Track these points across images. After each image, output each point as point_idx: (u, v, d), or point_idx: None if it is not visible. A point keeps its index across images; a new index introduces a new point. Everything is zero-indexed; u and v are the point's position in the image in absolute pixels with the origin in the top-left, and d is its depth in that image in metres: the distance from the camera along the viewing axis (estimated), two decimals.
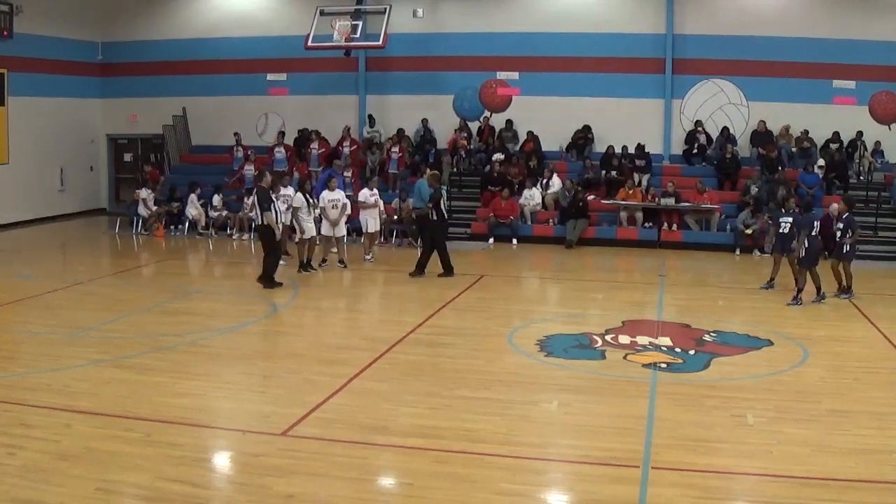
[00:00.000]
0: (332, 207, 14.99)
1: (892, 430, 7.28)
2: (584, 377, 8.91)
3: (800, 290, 12.67)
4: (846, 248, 12.95)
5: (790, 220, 13.09)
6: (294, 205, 14.76)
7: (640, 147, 20.07)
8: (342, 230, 15.22)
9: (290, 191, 15.23)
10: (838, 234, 13.14)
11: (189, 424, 7.21)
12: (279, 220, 13.36)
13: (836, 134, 19.69)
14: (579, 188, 18.98)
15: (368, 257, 16.08)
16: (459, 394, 8.18)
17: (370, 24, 20.10)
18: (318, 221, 15.35)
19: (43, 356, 9.37)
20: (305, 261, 14.74)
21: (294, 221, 14.77)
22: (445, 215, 15.27)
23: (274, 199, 13.47)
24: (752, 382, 8.71)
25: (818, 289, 12.72)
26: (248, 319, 11.55)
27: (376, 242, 16.83)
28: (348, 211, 15.27)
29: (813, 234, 12.78)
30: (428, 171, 16.45)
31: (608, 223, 18.95)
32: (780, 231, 13.29)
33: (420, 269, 14.41)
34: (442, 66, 21.69)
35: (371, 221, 16.04)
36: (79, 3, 22.71)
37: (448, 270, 14.41)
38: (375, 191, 16.31)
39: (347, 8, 20.22)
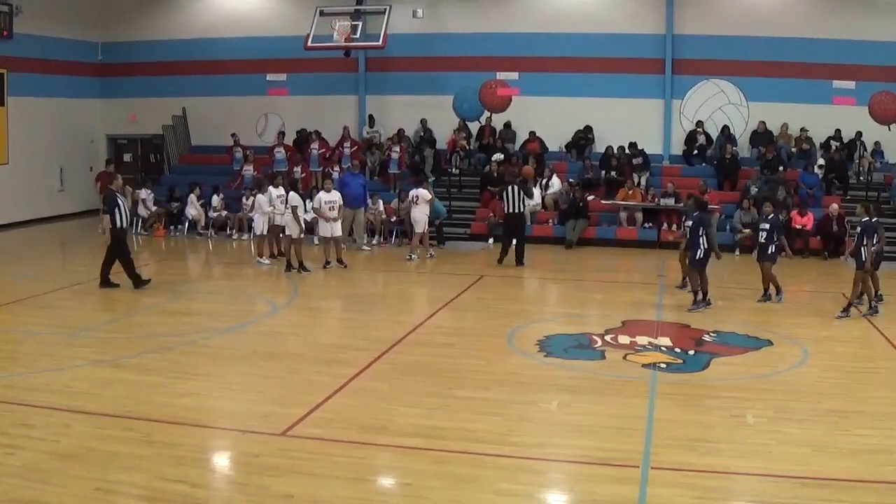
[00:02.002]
0: (330, 209, 15.00)
1: (892, 430, 7.28)
2: (583, 377, 8.91)
3: (777, 290, 12.70)
4: (771, 249, 12.58)
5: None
6: (292, 203, 14.79)
7: (633, 145, 20.06)
8: (339, 230, 15.22)
9: (280, 191, 15.24)
10: (762, 234, 12.74)
11: (189, 424, 7.21)
12: (122, 223, 13.05)
13: (837, 132, 19.69)
14: (577, 187, 18.98)
15: (413, 257, 16.31)
16: (459, 394, 8.19)
17: (370, 25, 20.11)
18: (315, 223, 15.37)
19: (43, 356, 9.37)
20: (298, 262, 14.70)
21: (295, 220, 14.83)
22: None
23: (120, 202, 13.01)
24: (752, 382, 8.71)
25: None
26: (247, 319, 11.56)
27: (420, 242, 16.60)
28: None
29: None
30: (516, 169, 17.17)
31: (608, 223, 18.95)
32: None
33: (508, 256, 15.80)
34: (442, 66, 21.68)
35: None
36: (79, 3, 22.71)
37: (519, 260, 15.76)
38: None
39: (347, 8, 20.21)
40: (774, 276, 12.71)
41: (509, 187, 15.98)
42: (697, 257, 12.06)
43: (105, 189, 20.62)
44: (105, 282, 13.06)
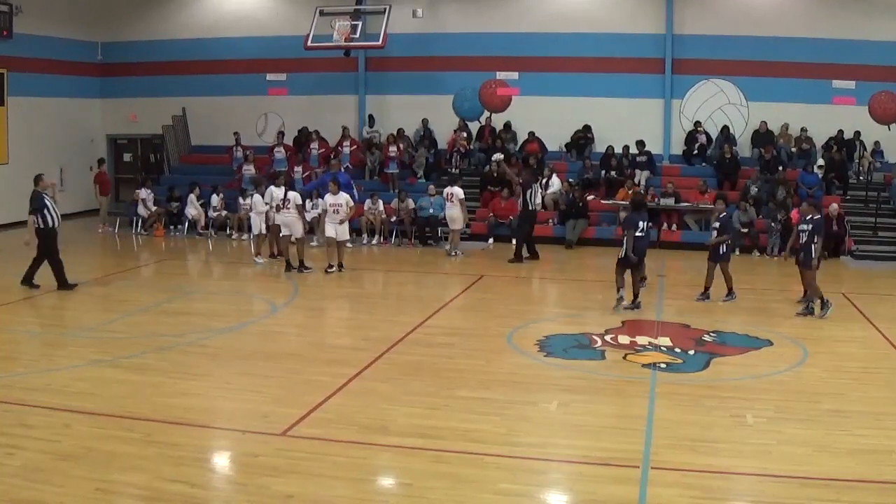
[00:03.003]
0: (334, 212, 14.79)
1: (892, 430, 7.28)
2: (583, 377, 8.91)
3: (728, 290, 12.72)
4: (722, 249, 12.50)
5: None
6: (296, 202, 14.80)
7: (641, 143, 20.07)
8: (345, 234, 14.99)
9: (280, 190, 15.11)
10: (714, 234, 12.73)
11: (189, 424, 7.21)
12: (52, 223, 13.11)
13: (840, 133, 19.68)
14: (577, 188, 18.97)
15: (458, 253, 16.65)
16: (459, 394, 8.19)
17: (370, 25, 20.10)
18: (315, 224, 15.34)
19: (43, 356, 9.38)
20: (299, 261, 14.68)
21: (300, 219, 14.89)
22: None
23: (48, 202, 13.12)
24: (752, 382, 8.71)
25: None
26: (247, 319, 11.56)
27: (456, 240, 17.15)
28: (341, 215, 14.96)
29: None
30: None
31: (608, 223, 18.94)
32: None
33: (519, 257, 16.24)
34: (442, 66, 21.69)
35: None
36: (79, 3, 22.71)
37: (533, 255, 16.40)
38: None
39: (347, 8, 20.21)
40: (730, 276, 12.72)
41: (533, 185, 16.76)
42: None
43: (105, 190, 20.89)
44: (27, 280, 13.01)
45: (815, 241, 11.76)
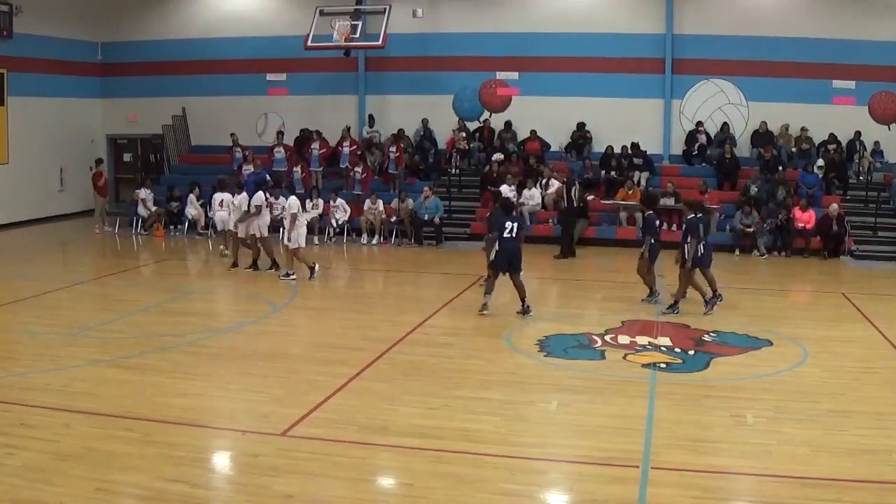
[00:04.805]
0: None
1: (892, 430, 7.29)
2: (583, 377, 8.91)
3: (650, 290, 12.45)
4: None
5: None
6: (291, 210, 14.02)
7: (635, 146, 20.06)
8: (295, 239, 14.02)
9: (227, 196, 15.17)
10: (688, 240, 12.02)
11: (189, 424, 7.21)
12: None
13: (831, 136, 19.68)
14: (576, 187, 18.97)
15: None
16: (459, 394, 8.19)
17: (370, 24, 20.10)
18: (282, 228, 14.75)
19: (43, 356, 9.37)
20: (272, 260, 14.50)
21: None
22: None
23: None
24: (752, 382, 8.72)
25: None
26: (247, 319, 11.55)
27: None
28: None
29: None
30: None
31: (608, 223, 18.95)
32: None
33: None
34: (442, 66, 21.69)
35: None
36: (79, 3, 22.70)
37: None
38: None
39: (347, 8, 20.20)
40: (650, 275, 12.39)
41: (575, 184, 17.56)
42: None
43: (103, 191, 20.82)
44: None
45: (689, 240, 11.58)
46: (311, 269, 14.04)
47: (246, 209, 14.50)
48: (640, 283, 12.75)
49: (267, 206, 14.73)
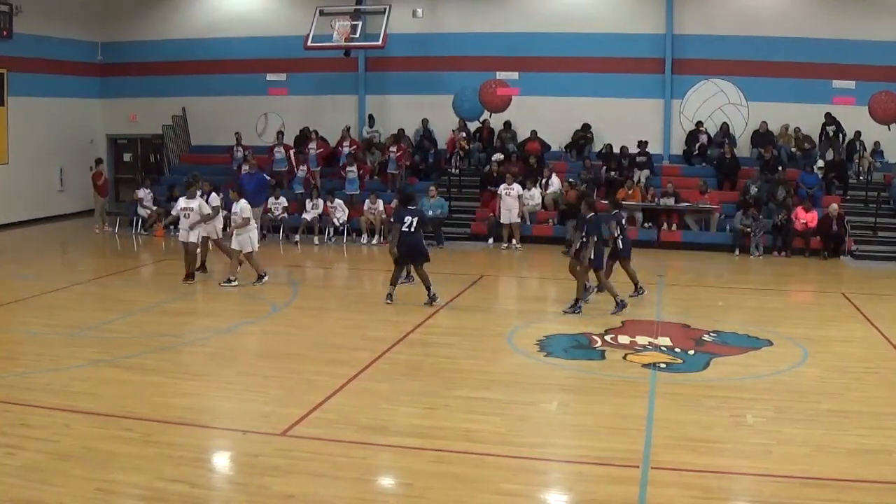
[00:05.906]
0: (185, 216, 13.58)
1: (892, 430, 7.28)
2: (583, 377, 8.91)
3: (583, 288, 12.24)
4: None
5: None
6: (243, 214, 13.38)
7: (643, 143, 20.07)
8: (191, 237, 13.57)
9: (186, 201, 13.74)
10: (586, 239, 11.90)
11: (189, 424, 7.21)
12: None
13: (836, 133, 19.67)
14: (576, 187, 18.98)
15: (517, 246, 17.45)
16: (459, 394, 8.18)
17: (370, 24, 20.10)
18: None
19: (43, 356, 9.37)
20: (202, 261, 14.13)
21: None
22: None
23: None
24: (752, 382, 8.72)
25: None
26: (247, 319, 11.55)
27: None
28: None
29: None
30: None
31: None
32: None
33: None
34: (442, 66, 21.69)
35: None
36: (79, 3, 22.71)
37: None
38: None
39: (347, 8, 20.21)
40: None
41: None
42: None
43: (103, 191, 20.79)
44: None
45: (584, 239, 11.66)
46: (260, 276, 13.58)
47: (207, 213, 13.69)
48: (640, 284, 12.78)
49: (223, 210, 14.35)
